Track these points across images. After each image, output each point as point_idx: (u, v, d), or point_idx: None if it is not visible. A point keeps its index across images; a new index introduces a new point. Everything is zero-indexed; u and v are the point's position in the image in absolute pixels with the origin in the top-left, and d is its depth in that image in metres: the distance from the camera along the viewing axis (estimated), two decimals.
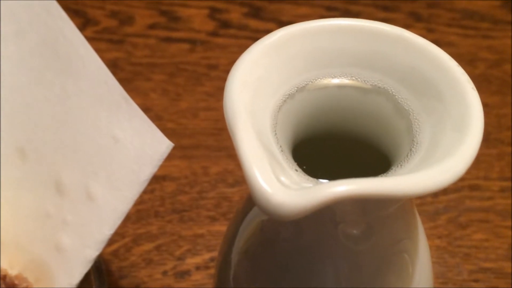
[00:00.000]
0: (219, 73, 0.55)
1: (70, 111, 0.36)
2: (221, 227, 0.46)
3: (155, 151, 0.33)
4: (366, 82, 0.26)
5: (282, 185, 0.21)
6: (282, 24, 0.57)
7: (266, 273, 0.27)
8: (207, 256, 0.45)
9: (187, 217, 0.47)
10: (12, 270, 0.37)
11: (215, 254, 0.45)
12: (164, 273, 0.44)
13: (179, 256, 0.45)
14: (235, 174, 0.49)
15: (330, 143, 0.27)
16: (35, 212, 0.37)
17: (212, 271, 0.44)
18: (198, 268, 0.44)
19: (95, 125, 0.35)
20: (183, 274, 0.44)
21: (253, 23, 0.59)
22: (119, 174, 0.34)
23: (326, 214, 0.23)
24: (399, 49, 0.25)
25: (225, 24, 0.59)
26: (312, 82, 0.25)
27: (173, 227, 0.46)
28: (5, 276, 0.37)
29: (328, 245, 0.25)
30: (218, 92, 0.54)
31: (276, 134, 0.24)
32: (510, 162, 0.50)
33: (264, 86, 0.24)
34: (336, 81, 0.26)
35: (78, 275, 0.35)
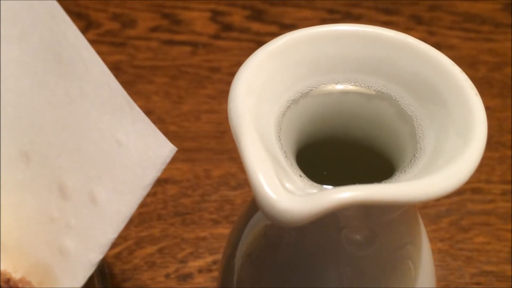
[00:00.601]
0: (221, 76, 0.55)
1: (74, 114, 0.36)
2: (224, 230, 0.46)
3: (158, 155, 0.33)
4: (369, 87, 0.26)
5: (286, 192, 0.21)
6: (284, 27, 0.58)
7: (269, 278, 0.27)
8: (209, 259, 0.45)
9: (190, 220, 0.47)
10: (16, 273, 0.37)
11: (217, 257, 0.45)
12: (167, 276, 0.44)
13: (182, 259, 0.45)
14: (237, 177, 0.49)
15: (334, 148, 0.27)
16: (38, 215, 0.37)
17: (215, 274, 0.44)
18: (200, 271, 0.44)
19: (98, 128, 0.35)
20: (185, 277, 0.44)
21: (255, 26, 0.59)
22: (122, 177, 0.34)
23: (329, 219, 0.23)
24: (402, 55, 0.25)
25: (227, 27, 0.59)
26: (316, 87, 0.26)
27: (176, 230, 0.46)
28: (9, 280, 0.37)
29: (331, 250, 0.25)
30: (220, 94, 0.54)
31: (280, 139, 0.24)
32: (511, 165, 0.50)
33: (268, 91, 0.24)
34: (340, 87, 0.26)
35: (81, 279, 0.35)
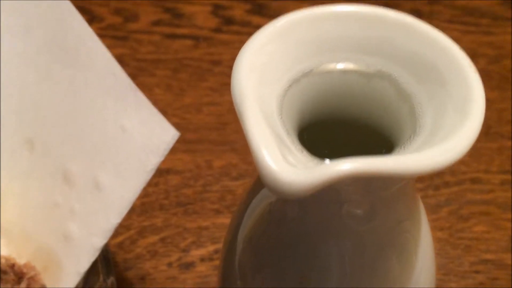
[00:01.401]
0: (222, 69, 0.55)
1: (78, 102, 0.36)
2: (225, 220, 0.47)
3: (161, 141, 0.34)
4: (369, 67, 0.26)
5: (289, 165, 0.21)
6: None
7: (272, 254, 0.28)
8: (211, 248, 0.45)
9: (192, 210, 0.47)
10: (20, 259, 0.38)
11: (219, 246, 0.45)
12: (169, 264, 0.45)
13: (184, 248, 0.45)
14: (239, 167, 0.49)
15: (335, 127, 0.28)
16: (43, 201, 0.37)
17: (216, 262, 0.45)
18: (202, 259, 0.45)
19: (102, 115, 0.35)
20: (187, 266, 0.45)
21: (256, 19, 0.59)
22: (126, 163, 0.34)
23: (330, 195, 0.24)
24: (402, 35, 0.26)
25: (228, 21, 0.59)
26: (317, 67, 0.26)
27: (178, 219, 0.47)
28: (13, 265, 0.37)
29: (333, 225, 0.26)
30: (222, 87, 0.54)
31: (282, 117, 0.24)
32: (510, 155, 0.50)
33: (270, 71, 0.25)
34: (340, 66, 0.26)
35: (85, 263, 0.35)
